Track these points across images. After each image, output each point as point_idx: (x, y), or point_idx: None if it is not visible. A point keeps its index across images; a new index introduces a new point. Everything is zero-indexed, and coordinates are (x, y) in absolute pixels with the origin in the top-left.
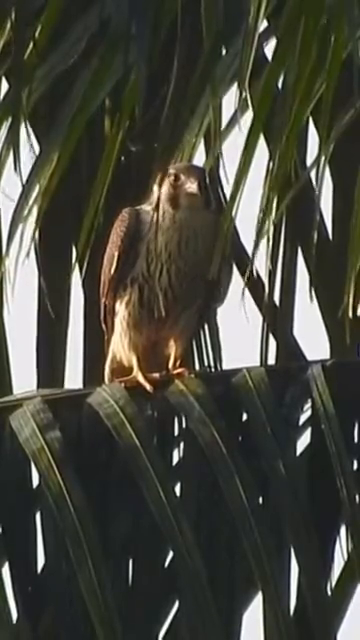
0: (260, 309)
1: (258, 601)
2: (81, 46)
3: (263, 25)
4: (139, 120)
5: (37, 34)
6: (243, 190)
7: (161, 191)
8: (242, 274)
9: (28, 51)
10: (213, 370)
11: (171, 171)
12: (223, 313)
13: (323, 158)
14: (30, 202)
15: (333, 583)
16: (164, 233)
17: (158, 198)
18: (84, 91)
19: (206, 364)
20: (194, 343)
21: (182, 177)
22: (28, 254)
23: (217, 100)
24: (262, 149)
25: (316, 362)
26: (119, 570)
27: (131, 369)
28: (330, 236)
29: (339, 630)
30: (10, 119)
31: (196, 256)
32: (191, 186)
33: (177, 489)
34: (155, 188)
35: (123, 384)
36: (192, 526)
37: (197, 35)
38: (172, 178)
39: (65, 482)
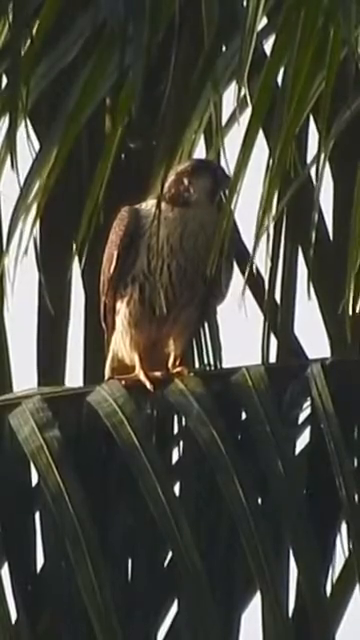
0: (261, 307)
1: (257, 601)
2: (80, 44)
3: (263, 22)
4: (137, 118)
5: (35, 31)
6: (242, 186)
7: (197, 182)
8: (242, 272)
9: (26, 48)
10: (212, 369)
11: (214, 165)
12: (224, 311)
13: (323, 155)
14: (30, 199)
15: (333, 583)
16: (167, 226)
17: (187, 189)
18: (83, 89)
19: (206, 363)
20: (194, 341)
21: (222, 173)
22: (26, 251)
23: (218, 96)
24: (262, 146)
25: (315, 361)
26: (118, 570)
27: (132, 367)
28: (330, 234)
29: (338, 630)
30: (7, 116)
31: (196, 251)
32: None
33: (176, 488)
34: (185, 180)
35: (122, 382)
36: (191, 525)
37: (197, 32)
38: (217, 171)
39: (64, 481)
